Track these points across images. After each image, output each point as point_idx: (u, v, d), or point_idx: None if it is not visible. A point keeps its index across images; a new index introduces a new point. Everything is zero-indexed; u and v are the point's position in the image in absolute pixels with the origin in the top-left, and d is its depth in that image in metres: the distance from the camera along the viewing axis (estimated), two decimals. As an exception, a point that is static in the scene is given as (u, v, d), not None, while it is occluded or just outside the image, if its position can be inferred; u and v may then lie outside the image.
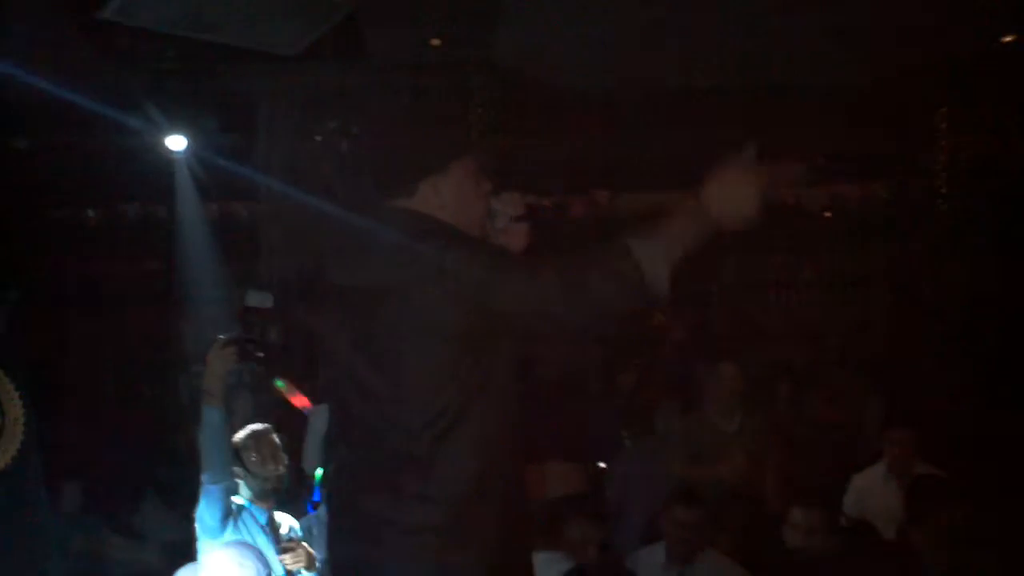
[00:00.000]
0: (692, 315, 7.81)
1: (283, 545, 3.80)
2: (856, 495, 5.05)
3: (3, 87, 5.44)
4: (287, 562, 3.75)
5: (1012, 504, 4.35)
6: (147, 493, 5.53)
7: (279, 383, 5.65)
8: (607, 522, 4.55)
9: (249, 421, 4.01)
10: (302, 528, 4.07)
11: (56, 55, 5.69)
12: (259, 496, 3.81)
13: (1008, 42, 6.66)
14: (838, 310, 9.12)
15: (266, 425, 3.94)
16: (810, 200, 8.56)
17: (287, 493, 4.11)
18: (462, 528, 2.18)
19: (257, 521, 3.75)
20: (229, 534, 3.60)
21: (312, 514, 4.31)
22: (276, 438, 3.91)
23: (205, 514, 3.54)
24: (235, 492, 3.68)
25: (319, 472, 4.38)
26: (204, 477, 3.50)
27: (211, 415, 3.43)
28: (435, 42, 6.29)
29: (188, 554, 3.60)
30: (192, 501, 3.57)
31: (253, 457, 3.79)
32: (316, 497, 4.33)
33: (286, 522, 3.94)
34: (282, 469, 3.88)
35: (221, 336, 3.44)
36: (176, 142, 7.26)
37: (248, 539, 3.64)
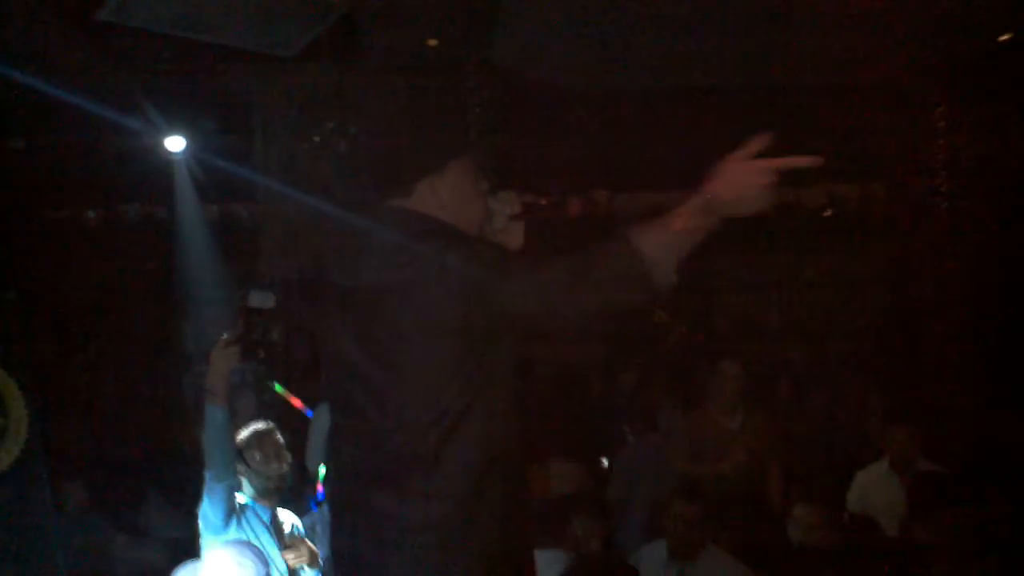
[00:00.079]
0: (694, 313, 7.82)
1: (286, 543, 3.80)
2: (859, 492, 5.05)
3: (2, 88, 5.44)
4: (290, 560, 3.75)
5: (1013, 501, 4.37)
6: (151, 491, 5.53)
7: (277, 387, 5.66)
8: (609, 518, 4.56)
9: (252, 420, 4.01)
10: (305, 525, 4.07)
11: (55, 56, 5.70)
12: (262, 494, 3.81)
13: (1006, 40, 6.67)
14: (839, 308, 9.14)
15: (269, 424, 3.94)
16: (810, 199, 8.57)
17: (290, 491, 4.11)
18: (466, 525, 2.18)
19: (260, 519, 3.75)
20: (232, 532, 3.59)
21: (315, 511, 4.31)
22: (279, 436, 3.91)
23: (208, 512, 3.54)
24: (238, 490, 3.68)
25: (322, 470, 4.39)
26: (207, 475, 3.49)
27: (214, 414, 3.43)
28: (432, 42, 6.30)
29: (191, 552, 3.60)
30: (195, 499, 3.57)
31: (256, 456, 3.78)
32: (320, 495, 4.33)
33: (289, 520, 3.94)
34: (285, 467, 3.88)
35: (224, 335, 3.44)
36: (175, 143, 7.26)
37: (251, 537, 3.64)
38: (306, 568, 3.79)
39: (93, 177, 7.53)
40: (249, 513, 3.71)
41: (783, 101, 7.05)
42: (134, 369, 7.40)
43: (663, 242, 2.06)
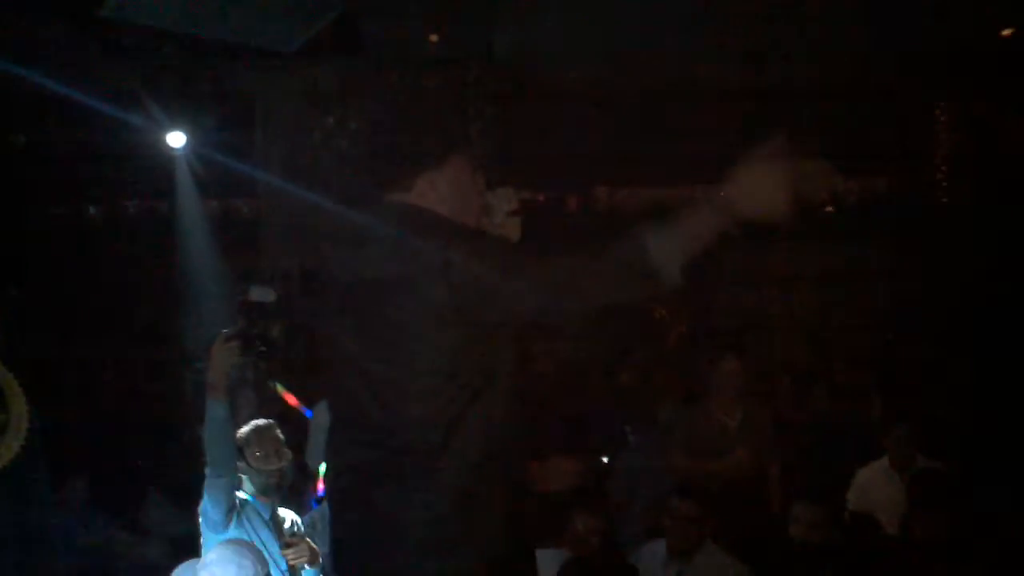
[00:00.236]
0: (695, 309, 7.81)
1: (286, 540, 3.79)
2: (859, 490, 5.05)
3: (5, 84, 5.43)
4: (290, 557, 3.75)
5: (1012, 498, 4.37)
6: (151, 488, 5.53)
7: (279, 387, 5.66)
8: (609, 515, 4.56)
9: (252, 416, 4.01)
10: (305, 523, 4.07)
11: (56, 53, 5.69)
12: (262, 491, 3.80)
13: (1007, 36, 6.66)
14: (840, 304, 9.13)
15: (269, 420, 3.94)
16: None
17: (290, 488, 4.11)
18: (467, 523, 2.18)
19: (260, 516, 3.75)
20: (233, 529, 3.59)
21: (316, 509, 4.31)
22: (279, 433, 3.91)
23: (209, 509, 3.54)
24: (239, 487, 3.68)
25: (323, 467, 4.39)
26: (208, 471, 3.49)
27: (215, 409, 3.43)
28: (433, 37, 6.29)
29: (192, 549, 3.60)
30: (196, 496, 3.57)
31: (257, 452, 3.78)
32: (320, 492, 4.33)
33: (289, 517, 3.94)
34: (285, 464, 3.88)
35: (224, 330, 3.44)
36: (176, 139, 7.26)
37: (251, 534, 3.64)
38: (306, 566, 3.78)
39: (94, 173, 7.54)
40: (249, 510, 3.71)
41: (783, 98, 7.04)
42: (135, 365, 7.40)
43: (669, 239, 2.06)
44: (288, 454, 3.91)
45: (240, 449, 3.71)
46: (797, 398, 6.61)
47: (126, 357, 7.32)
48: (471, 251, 2.15)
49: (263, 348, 3.46)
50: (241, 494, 3.71)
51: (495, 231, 2.41)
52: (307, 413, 5.29)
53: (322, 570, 3.83)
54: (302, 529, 3.96)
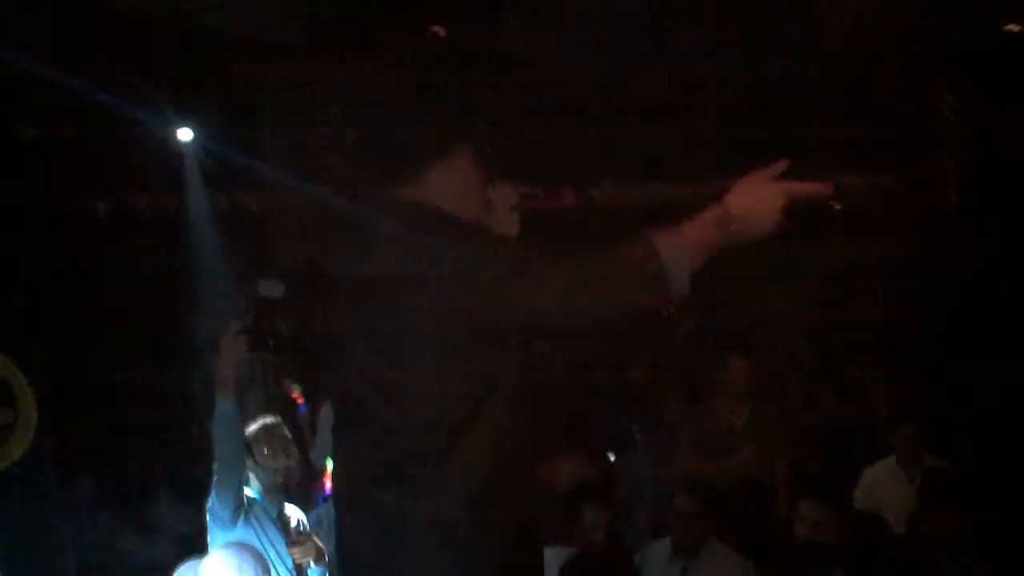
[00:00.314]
0: (701, 307, 7.79)
1: (292, 538, 3.80)
2: (866, 488, 5.05)
3: (12, 78, 5.44)
4: (296, 556, 3.75)
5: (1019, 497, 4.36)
6: (159, 486, 5.54)
7: (296, 387, 5.67)
8: (615, 511, 4.57)
9: (260, 414, 4.01)
10: (312, 520, 4.08)
11: (64, 47, 5.69)
12: (269, 489, 3.81)
13: (1011, 31, 6.63)
14: (847, 302, 9.11)
15: (276, 418, 3.94)
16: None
17: (298, 486, 4.12)
18: (474, 522, 2.18)
19: (267, 514, 3.75)
20: (240, 527, 3.60)
21: (323, 506, 4.31)
22: (286, 431, 3.91)
23: (217, 506, 3.55)
24: (247, 484, 3.68)
25: (330, 464, 4.39)
26: (216, 469, 3.50)
27: (224, 406, 3.44)
28: (440, 31, 6.27)
29: (199, 546, 3.61)
30: (204, 493, 3.57)
31: (264, 450, 3.79)
32: (328, 490, 4.34)
33: (295, 515, 3.94)
34: (292, 462, 3.88)
35: (234, 325, 3.45)
36: (184, 134, 7.28)
37: (258, 532, 3.64)
38: (312, 564, 3.79)
39: (101, 168, 7.54)
40: (256, 508, 3.72)
41: (786, 92, 7.03)
42: (143, 361, 7.41)
43: (680, 248, 2.06)
44: (295, 452, 3.92)
45: (248, 447, 3.71)
46: (804, 397, 6.60)
47: (133, 353, 7.33)
48: (478, 248, 2.15)
49: (272, 343, 3.46)
50: (248, 492, 3.71)
51: (496, 227, 2.40)
52: (301, 408, 5.30)
53: (328, 568, 3.83)
54: (307, 528, 3.96)
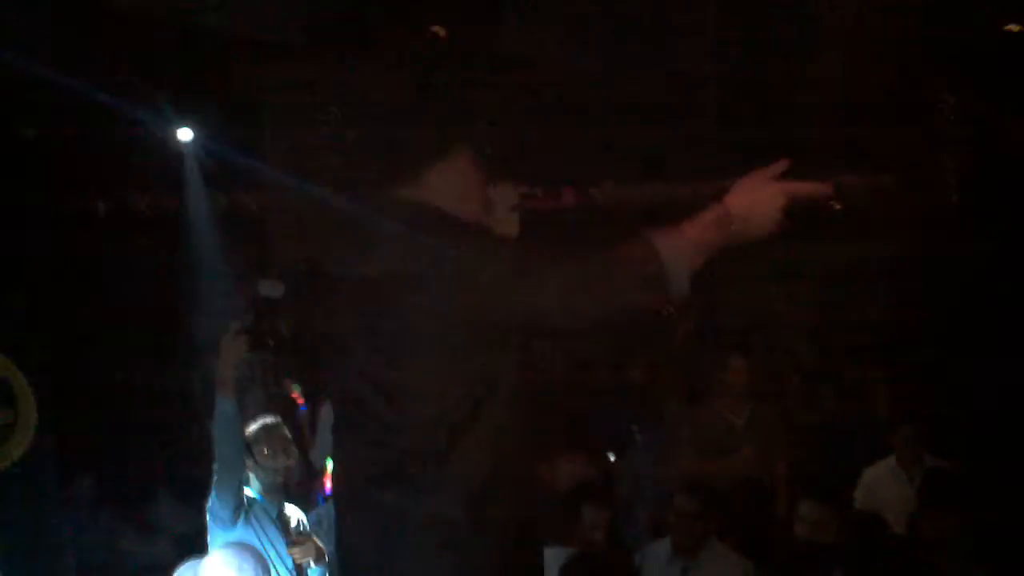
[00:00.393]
0: (701, 307, 7.80)
1: (293, 538, 3.80)
2: (866, 488, 5.05)
3: (12, 78, 5.44)
4: (297, 556, 3.75)
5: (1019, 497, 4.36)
6: (159, 485, 5.54)
7: (296, 387, 5.67)
8: (615, 509, 4.57)
9: (260, 414, 4.01)
10: (312, 520, 4.07)
11: (65, 47, 5.70)
12: (269, 489, 3.81)
13: (1011, 31, 6.63)
14: (847, 302, 9.11)
15: (276, 418, 3.94)
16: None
17: (298, 486, 4.12)
18: (474, 522, 2.18)
19: (268, 514, 3.75)
20: (240, 527, 3.60)
21: (323, 505, 4.31)
22: (286, 431, 3.91)
23: (217, 506, 3.55)
24: (247, 484, 3.68)
25: (330, 464, 4.39)
26: (216, 469, 3.50)
27: (223, 405, 3.43)
28: (440, 31, 6.27)
29: (200, 546, 3.60)
30: (204, 493, 3.57)
31: (264, 450, 3.78)
32: (328, 490, 4.34)
33: (295, 515, 3.94)
34: (292, 462, 3.88)
35: (233, 325, 3.45)
36: (184, 134, 7.28)
37: (259, 532, 3.64)
38: (313, 564, 3.79)
39: (102, 168, 7.55)
40: (256, 508, 3.72)
41: (787, 92, 7.03)
42: (143, 361, 7.41)
43: (680, 248, 2.07)
44: (295, 452, 3.92)
45: (248, 447, 3.71)
46: (804, 397, 6.61)
47: (133, 353, 7.33)
48: (478, 248, 2.15)
49: (272, 343, 3.46)
50: (248, 492, 3.71)
51: (496, 227, 2.40)
52: (302, 408, 5.29)
53: (328, 568, 3.83)
54: (308, 527, 3.96)
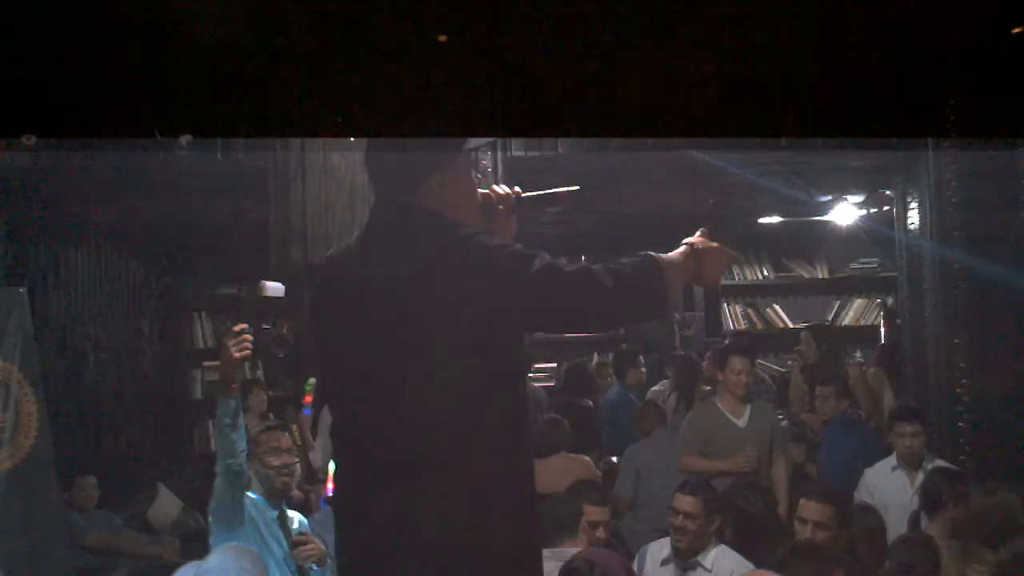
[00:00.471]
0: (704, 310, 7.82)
1: (294, 540, 3.80)
2: (866, 489, 5.05)
3: (14, 86, 5.45)
4: (298, 557, 3.75)
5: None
6: (161, 487, 5.55)
7: (308, 384, 5.66)
8: (616, 510, 4.58)
9: (262, 416, 4.02)
10: (313, 523, 4.08)
11: (64, 53, 5.70)
12: (271, 491, 3.82)
13: (1018, 32, 6.62)
14: (851, 302, 9.14)
15: (278, 420, 3.95)
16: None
17: (299, 487, 4.12)
18: (475, 524, 2.19)
19: (269, 516, 3.76)
20: (242, 528, 3.60)
21: (325, 508, 4.32)
22: (288, 433, 3.92)
23: (218, 508, 3.55)
24: (248, 486, 3.69)
25: (332, 466, 4.40)
26: (218, 470, 3.50)
27: (225, 406, 3.44)
28: (442, 38, 6.29)
29: (201, 548, 3.61)
30: (206, 495, 3.58)
31: (267, 451, 3.79)
32: (329, 492, 4.35)
33: (297, 517, 3.95)
34: (295, 464, 3.89)
35: (235, 326, 3.46)
36: (184, 139, 7.28)
37: (260, 534, 3.65)
38: (314, 566, 3.79)
39: (103, 173, 7.56)
40: (258, 510, 3.72)
41: (791, 93, 7.01)
42: (143, 363, 7.43)
43: (676, 269, 2.18)
44: (297, 454, 3.92)
45: (250, 448, 3.72)
46: (804, 397, 6.61)
47: (137, 356, 7.35)
48: (479, 252, 2.16)
49: (274, 344, 3.48)
50: (251, 493, 3.72)
51: (491, 230, 2.42)
52: (306, 411, 5.29)
53: (330, 570, 3.84)
54: (309, 529, 3.97)
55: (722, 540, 4.27)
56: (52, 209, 6.56)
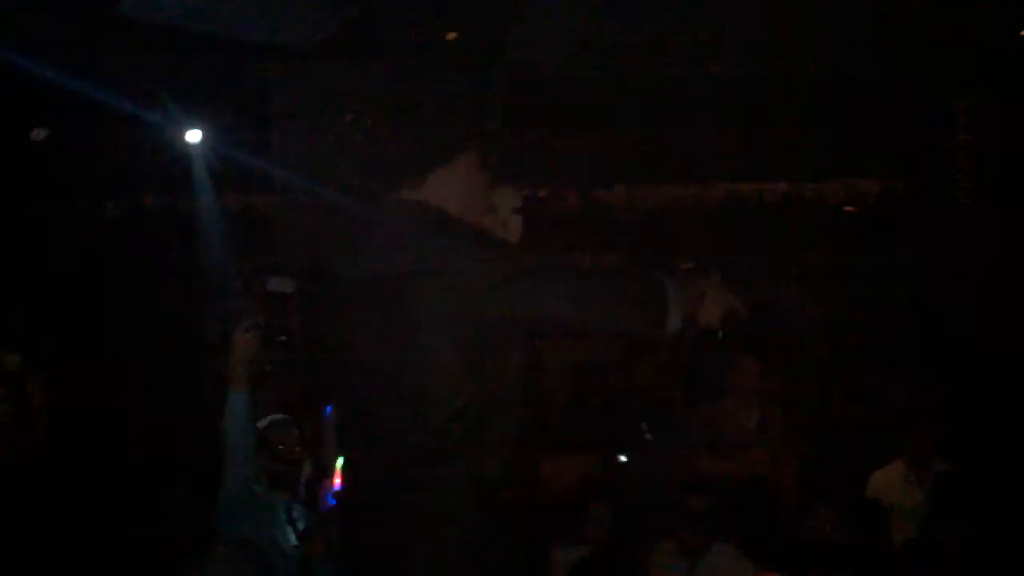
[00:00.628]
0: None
1: (302, 536, 3.80)
2: (875, 491, 5.04)
3: (22, 81, 5.46)
4: (305, 553, 3.76)
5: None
6: (164, 482, 5.54)
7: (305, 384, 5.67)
8: (623, 508, 4.58)
9: (271, 411, 4.02)
10: (320, 518, 4.08)
11: (75, 49, 5.72)
12: (279, 486, 3.82)
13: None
14: (859, 304, 9.09)
15: (286, 415, 3.95)
16: (829, 193, 8.53)
17: (308, 483, 4.12)
18: (483, 523, 2.19)
19: (277, 511, 3.76)
20: (250, 524, 3.60)
21: (332, 504, 4.32)
22: (296, 428, 3.92)
23: (227, 502, 3.56)
24: (257, 481, 3.69)
25: (339, 462, 4.40)
26: (227, 464, 3.51)
27: (235, 402, 3.45)
28: (450, 36, 6.29)
29: (210, 542, 3.61)
30: (214, 489, 3.58)
31: (275, 447, 3.80)
32: (337, 487, 4.35)
33: (304, 512, 3.95)
34: (303, 460, 3.89)
35: (244, 321, 3.46)
36: (193, 135, 7.33)
37: (267, 529, 3.65)
38: (321, 561, 3.79)
39: (112, 170, 7.59)
40: (265, 505, 3.72)
41: (800, 93, 7.01)
42: (154, 359, 7.45)
43: (678, 288, 2.16)
44: (306, 450, 3.92)
45: (259, 443, 3.72)
46: (815, 398, 6.60)
47: (145, 351, 7.36)
48: (484, 251, 2.16)
49: (283, 339, 3.48)
50: (258, 489, 3.72)
51: (498, 229, 2.42)
52: (311, 405, 5.29)
53: (337, 566, 3.83)
54: (318, 524, 3.97)
55: (729, 540, 4.26)
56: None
